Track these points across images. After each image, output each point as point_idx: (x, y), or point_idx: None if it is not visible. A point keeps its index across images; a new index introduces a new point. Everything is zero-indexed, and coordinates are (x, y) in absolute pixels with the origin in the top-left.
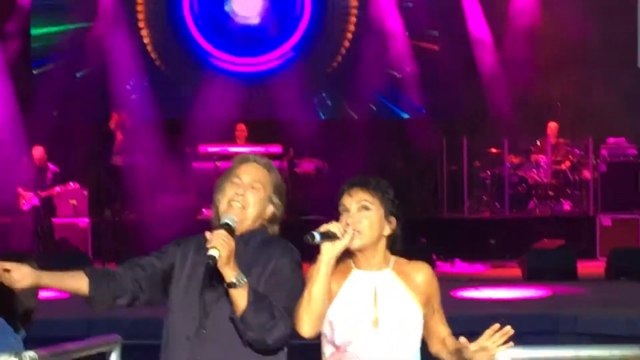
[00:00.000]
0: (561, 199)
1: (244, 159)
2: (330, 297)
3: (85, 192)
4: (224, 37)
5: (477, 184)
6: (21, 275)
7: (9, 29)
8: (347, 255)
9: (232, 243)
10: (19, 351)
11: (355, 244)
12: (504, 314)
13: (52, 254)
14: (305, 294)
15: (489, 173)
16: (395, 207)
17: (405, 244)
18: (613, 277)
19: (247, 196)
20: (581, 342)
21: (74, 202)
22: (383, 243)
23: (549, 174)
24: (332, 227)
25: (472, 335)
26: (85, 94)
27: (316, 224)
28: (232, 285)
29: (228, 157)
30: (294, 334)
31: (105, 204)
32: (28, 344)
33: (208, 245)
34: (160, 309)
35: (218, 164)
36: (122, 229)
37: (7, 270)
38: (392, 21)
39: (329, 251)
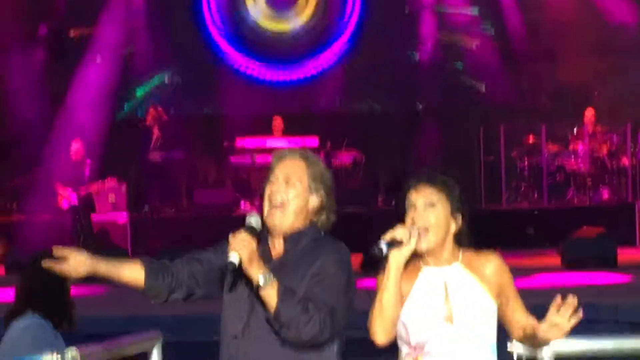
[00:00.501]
0: (600, 187)
1: (279, 156)
2: (402, 299)
3: (124, 188)
4: (253, 49)
5: (514, 173)
6: (78, 263)
7: (45, 27)
8: (415, 254)
9: (253, 244)
10: (60, 349)
11: (423, 247)
12: (543, 304)
13: (91, 252)
14: (377, 302)
15: (526, 162)
16: (462, 203)
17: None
18: None
19: (283, 193)
20: (621, 330)
21: (112, 198)
22: (450, 240)
23: (587, 162)
24: (397, 233)
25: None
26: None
27: (354, 216)
28: (259, 286)
29: (265, 150)
30: (350, 325)
31: (143, 200)
32: (67, 342)
33: (229, 249)
34: (201, 306)
35: (255, 157)
36: (161, 225)
37: (63, 259)
38: (428, 16)
39: (396, 258)
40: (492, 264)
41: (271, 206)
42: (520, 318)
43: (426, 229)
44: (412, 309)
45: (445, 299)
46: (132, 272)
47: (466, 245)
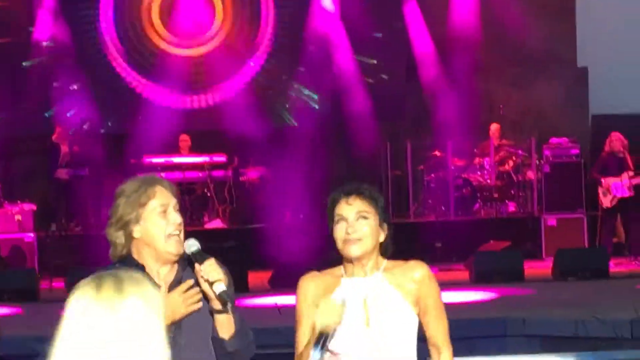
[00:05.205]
0: (506, 201)
1: (152, 181)
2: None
3: (30, 207)
4: (160, 76)
5: (421, 187)
6: None
7: None
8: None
9: (220, 269)
10: None
11: (356, 253)
12: (452, 319)
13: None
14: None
15: (433, 176)
16: (387, 215)
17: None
18: (560, 277)
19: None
20: (530, 344)
21: (18, 217)
22: (377, 250)
23: (493, 176)
24: (322, 328)
25: (421, 340)
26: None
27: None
28: (222, 311)
29: (172, 167)
30: None
31: (50, 218)
32: None
33: (211, 279)
34: None
35: (162, 174)
36: (69, 243)
37: None
38: (335, 32)
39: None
40: (415, 272)
41: (177, 239)
42: (430, 334)
43: (359, 240)
44: None
45: (364, 307)
46: None
47: (389, 255)
